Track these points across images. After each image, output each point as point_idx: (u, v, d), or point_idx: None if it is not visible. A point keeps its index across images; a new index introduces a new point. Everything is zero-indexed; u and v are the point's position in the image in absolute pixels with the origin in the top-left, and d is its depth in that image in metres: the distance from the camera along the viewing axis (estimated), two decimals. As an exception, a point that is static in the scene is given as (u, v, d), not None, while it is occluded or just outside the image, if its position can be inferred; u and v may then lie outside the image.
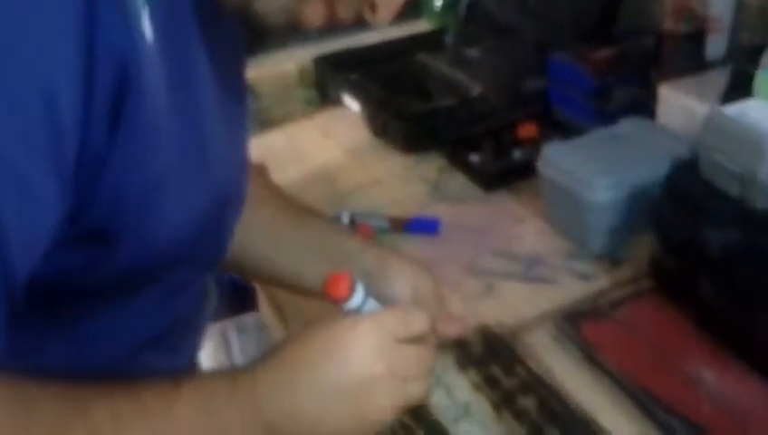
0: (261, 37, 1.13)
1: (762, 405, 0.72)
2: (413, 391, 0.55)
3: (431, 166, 1.14)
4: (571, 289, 0.88)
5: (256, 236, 0.71)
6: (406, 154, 1.17)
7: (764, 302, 0.73)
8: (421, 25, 1.49)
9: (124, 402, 0.48)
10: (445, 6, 1.44)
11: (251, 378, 0.52)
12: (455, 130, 1.16)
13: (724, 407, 0.71)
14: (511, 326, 0.83)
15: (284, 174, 1.11)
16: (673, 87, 1.00)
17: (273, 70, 1.39)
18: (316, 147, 1.23)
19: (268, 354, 0.54)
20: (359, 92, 1.27)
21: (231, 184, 0.60)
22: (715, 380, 0.75)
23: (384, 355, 0.54)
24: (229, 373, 0.54)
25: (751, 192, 0.70)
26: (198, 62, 0.51)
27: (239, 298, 1.19)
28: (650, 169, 0.87)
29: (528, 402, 0.71)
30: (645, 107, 1.03)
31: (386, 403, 0.54)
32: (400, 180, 1.12)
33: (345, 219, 1.02)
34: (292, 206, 0.77)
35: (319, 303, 0.61)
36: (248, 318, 1.20)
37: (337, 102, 1.33)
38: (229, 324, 1.20)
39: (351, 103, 1.29)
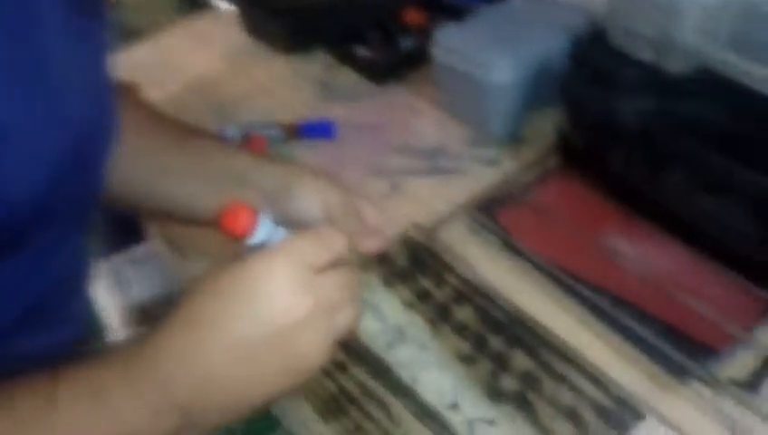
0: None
1: (685, 270, 0.70)
2: (342, 322, 0.47)
3: (317, 65, 1.04)
4: (478, 177, 0.83)
5: (137, 170, 0.61)
6: (289, 55, 1.06)
7: (681, 167, 0.70)
8: None
9: None
10: None
11: (149, 354, 0.42)
12: (337, 24, 1.05)
13: (649, 277, 0.68)
14: (425, 225, 0.77)
15: (158, 91, 0.99)
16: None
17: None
18: (191, 57, 1.10)
19: (165, 321, 0.44)
20: (228, -10, 1.14)
21: (91, 118, 0.49)
22: (636, 251, 0.72)
23: (305, 291, 0.45)
24: (121, 351, 0.43)
25: (666, 57, 0.65)
26: None
27: (126, 230, 1.08)
28: (549, 43, 0.80)
29: (465, 313, 0.65)
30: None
31: (317, 344, 0.46)
32: (287, 84, 1.02)
33: (233, 133, 0.92)
34: (173, 127, 0.66)
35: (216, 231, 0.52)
36: (139, 250, 1.10)
37: (208, 5, 1.19)
38: (121, 259, 1.10)
39: (223, 4, 1.15)
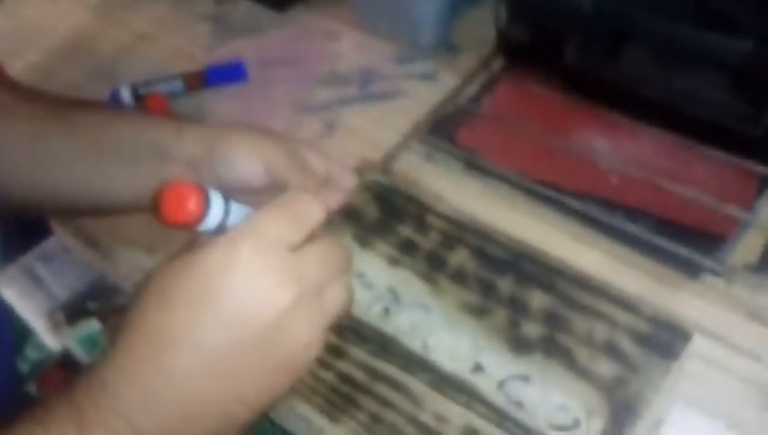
0: None
1: (668, 158, 0.62)
2: (333, 303, 0.38)
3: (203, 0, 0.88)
4: (419, 97, 0.72)
5: (18, 164, 0.49)
6: (168, -7, 0.89)
7: (646, 46, 0.62)
8: None
9: None
10: None
11: (99, 391, 0.34)
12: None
13: (633, 172, 0.60)
14: (376, 162, 0.65)
15: (23, 63, 0.82)
16: None
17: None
18: (51, 15, 0.91)
19: (113, 347, 0.36)
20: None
21: None
22: (612, 147, 0.64)
23: (285, 277, 0.35)
24: (66, 397, 0.34)
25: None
26: None
27: (29, 224, 0.93)
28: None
29: (460, 258, 0.54)
30: None
31: (308, 336, 0.36)
32: (173, 28, 0.85)
33: (126, 96, 0.76)
34: (53, 105, 0.53)
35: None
36: (48, 245, 0.94)
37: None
38: (30, 258, 0.95)
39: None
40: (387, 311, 0.52)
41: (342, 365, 0.50)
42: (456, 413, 0.47)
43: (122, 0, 0.89)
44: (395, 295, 0.53)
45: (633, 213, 0.59)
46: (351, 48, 0.78)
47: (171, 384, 0.34)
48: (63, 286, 0.99)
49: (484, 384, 0.48)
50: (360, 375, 0.49)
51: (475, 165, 0.64)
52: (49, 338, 0.94)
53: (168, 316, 0.35)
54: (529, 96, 0.68)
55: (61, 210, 0.61)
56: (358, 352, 0.50)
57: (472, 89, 0.71)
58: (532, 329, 0.50)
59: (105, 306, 0.92)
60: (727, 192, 0.59)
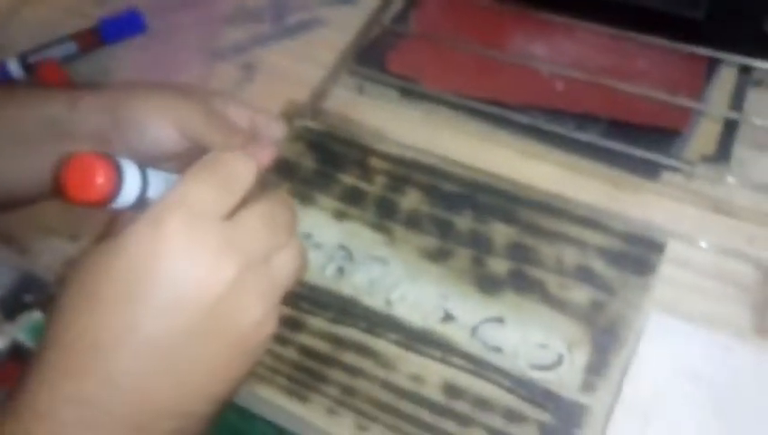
0: None
1: (610, 55, 0.58)
2: (284, 270, 0.33)
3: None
4: (339, 25, 0.65)
5: None
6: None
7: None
8: None
9: None
10: None
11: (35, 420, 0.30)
12: None
13: (571, 73, 0.55)
14: (304, 103, 0.59)
15: None
16: None
17: None
18: None
19: (37, 357, 0.31)
20: None
21: None
22: (548, 50, 0.59)
23: (224, 249, 0.30)
24: None
25: None
26: None
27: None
28: None
29: (412, 200, 0.49)
30: None
31: (260, 311, 0.31)
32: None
33: (14, 68, 0.67)
34: None
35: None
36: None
37: None
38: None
39: None
40: (341, 271, 0.47)
41: (302, 338, 0.45)
42: (432, 370, 0.43)
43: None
44: (347, 252, 0.47)
45: (582, 119, 0.54)
46: (255, -22, 0.70)
47: (119, 394, 0.30)
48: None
49: (457, 334, 0.44)
50: (322, 346, 0.44)
51: (410, 92, 0.58)
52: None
53: (100, 319, 0.30)
54: (457, 7, 0.62)
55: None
56: (316, 322, 0.45)
57: (396, 6, 0.64)
58: (498, 265, 0.45)
59: (42, 296, 0.85)
60: (675, 83, 0.55)
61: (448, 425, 0.41)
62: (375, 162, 0.51)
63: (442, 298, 0.45)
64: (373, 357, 0.43)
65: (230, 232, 0.31)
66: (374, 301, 0.45)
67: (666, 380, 0.44)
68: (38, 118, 0.43)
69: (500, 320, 0.43)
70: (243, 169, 0.32)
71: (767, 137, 0.53)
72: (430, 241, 0.47)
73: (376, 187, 0.50)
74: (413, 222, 0.48)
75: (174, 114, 0.45)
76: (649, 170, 0.52)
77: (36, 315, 0.92)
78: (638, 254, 0.44)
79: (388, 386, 0.43)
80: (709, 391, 0.44)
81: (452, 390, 0.42)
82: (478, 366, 0.42)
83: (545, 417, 0.40)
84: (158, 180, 0.32)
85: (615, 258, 0.44)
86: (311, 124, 0.54)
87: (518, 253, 0.45)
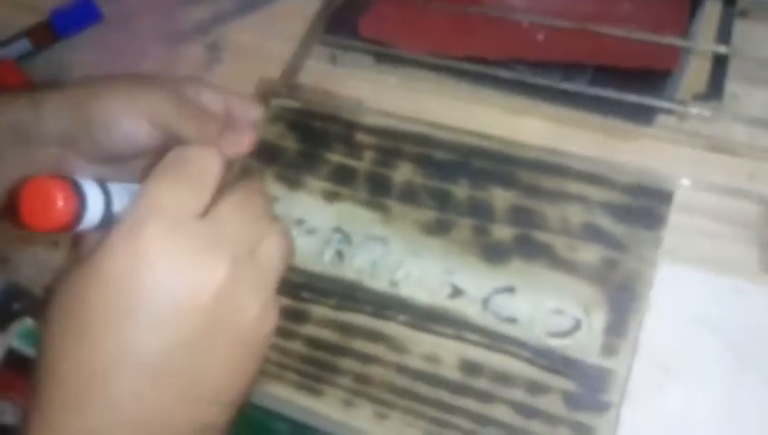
0: None
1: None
2: (272, 258, 0.31)
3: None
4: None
5: None
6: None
7: None
8: None
9: None
10: None
11: None
12: None
13: (552, 23, 0.52)
14: (278, 77, 0.55)
15: None
16: None
17: None
18: None
19: (45, 403, 0.28)
20: None
21: None
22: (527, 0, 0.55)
23: (205, 250, 0.28)
24: None
25: None
26: None
27: None
28: None
29: (404, 173, 0.45)
30: None
31: (257, 306, 0.30)
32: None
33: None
34: None
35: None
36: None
37: None
38: None
39: None
40: (340, 255, 0.44)
41: (307, 329, 0.42)
42: (447, 348, 0.40)
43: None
44: (344, 235, 0.44)
45: (568, 69, 0.51)
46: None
47: (124, 420, 0.28)
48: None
49: (468, 308, 0.41)
50: (330, 335, 0.42)
51: (386, 57, 0.54)
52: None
53: (91, 347, 0.27)
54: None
55: None
56: (320, 310, 0.42)
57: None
58: (502, 233, 0.43)
59: (31, 303, 0.81)
60: (660, 22, 0.51)
61: (469, 404, 0.39)
62: (361, 137, 0.47)
63: (448, 273, 0.42)
64: (384, 341, 0.41)
65: (210, 230, 0.28)
66: (378, 283, 0.42)
67: (680, 329, 0.42)
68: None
69: (510, 289, 0.41)
70: (209, 162, 0.30)
71: (758, 69, 0.51)
72: (428, 214, 0.44)
73: (365, 162, 0.46)
74: (408, 196, 0.45)
75: (144, 107, 0.41)
76: (642, 115, 0.49)
77: (27, 322, 0.89)
78: (646, 206, 0.42)
79: (402, 370, 0.40)
80: (725, 336, 0.42)
81: (469, 367, 0.39)
82: (493, 339, 0.40)
83: (568, 385, 0.38)
84: (120, 192, 0.30)
85: (622, 213, 0.42)
86: (288, 103, 0.50)
87: (521, 217, 0.43)
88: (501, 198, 0.43)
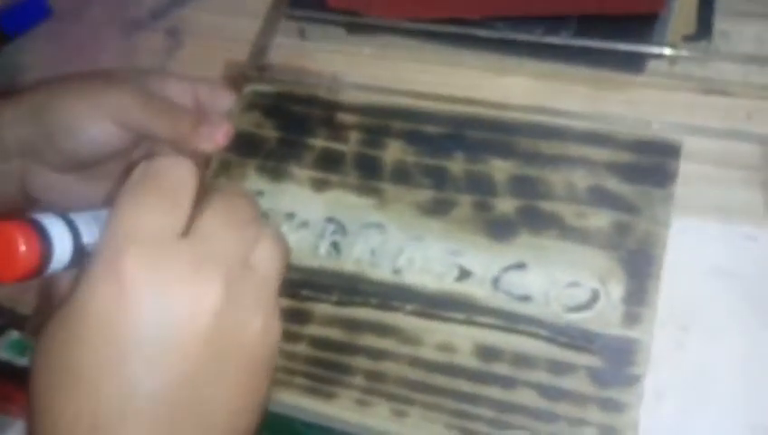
0: None
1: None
2: (268, 264, 0.28)
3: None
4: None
5: None
6: None
7: None
8: None
9: None
10: None
11: None
12: None
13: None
14: (245, 59, 0.50)
15: None
16: None
17: None
18: None
19: None
20: None
21: None
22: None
23: (194, 270, 0.25)
24: None
25: None
26: None
27: None
28: None
29: (394, 151, 0.41)
30: None
31: (260, 319, 0.27)
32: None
33: None
34: None
35: None
36: None
37: None
38: None
39: None
40: (336, 246, 0.40)
41: (312, 329, 0.38)
42: (460, 335, 0.37)
43: None
44: (338, 225, 0.40)
45: (551, 22, 0.47)
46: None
47: None
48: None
49: (478, 290, 0.38)
50: (336, 334, 0.38)
51: (358, 26, 0.50)
52: (-30, 365, 0.80)
53: (89, 397, 0.24)
54: None
55: None
56: (323, 308, 0.39)
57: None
58: (505, 206, 0.39)
59: (11, 318, 0.78)
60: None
61: (492, 391, 0.35)
62: (343, 117, 0.43)
63: (453, 254, 0.38)
64: (393, 334, 0.37)
65: (195, 249, 0.25)
66: (380, 272, 0.39)
67: (695, 284, 0.39)
68: None
69: (521, 266, 0.37)
70: (181, 173, 0.26)
71: (746, 3, 0.47)
72: (425, 194, 0.40)
73: (351, 145, 0.42)
74: (401, 176, 0.41)
75: (108, 107, 0.38)
76: (632, 63, 0.46)
77: (14, 334, 0.85)
78: (654, 162, 0.38)
79: (416, 363, 0.37)
80: (741, 286, 0.39)
81: (486, 352, 0.36)
82: (508, 321, 0.37)
83: (593, 361, 0.35)
84: (88, 222, 0.26)
85: (629, 172, 0.38)
86: (261, 88, 0.45)
87: (523, 187, 0.39)
88: (500, 168, 0.39)
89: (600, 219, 0.37)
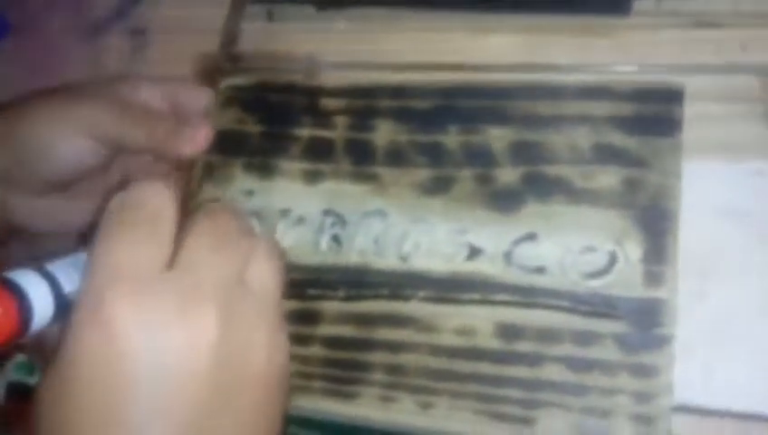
0: None
1: None
2: (265, 279, 0.26)
3: None
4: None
5: None
6: None
7: None
8: None
9: None
10: None
11: None
12: None
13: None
14: (216, 51, 0.47)
15: None
16: None
17: None
18: None
19: None
20: None
21: None
22: None
23: (186, 304, 0.23)
24: None
25: None
26: None
27: None
28: None
29: (385, 132, 0.38)
30: None
31: (265, 340, 0.25)
32: None
33: None
34: None
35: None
36: None
37: None
38: None
39: None
40: (337, 239, 0.37)
41: (323, 329, 0.36)
42: (478, 317, 0.35)
43: None
44: (337, 217, 0.37)
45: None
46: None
47: None
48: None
49: (490, 267, 0.35)
50: (347, 331, 0.36)
51: (328, 1, 0.46)
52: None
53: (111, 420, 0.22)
54: None
55: None
56: (332, 306, 0.36)
57: None
58: (508, 176, 0.36)
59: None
60: None
61: (517, 371, 0.33)
62: (326, 102, 0.40)
63: (460, 233, 0.36)
64: (409, 324, 0.35)
65: (183, 281, 0.23)
66: (386, 261, 0.36)
67: (710, 230, 0.37)
68: None
69: (532, 236, 0.35)
70: (159, 200, 0.24)
71: (730, -75, 0.44)
72: (423, 173, 0.37)
73: (339, 130, 0.39)
74: (396, 158, 0.38)
75: (81, 123, 0.36)
76: (617, 5, 0.43)
77: (20, 356, 0.83)
78: (657, 110, 0.35)
79: (436, 351, 0.34)
80: (755, 224, 0.37)
81: (507, 331, 0.34)
82: (526, 295, 0.34)
83: (618, 326, 0.33)
84: (66, 269, 0.24)
85: (632, 124, 0.35)
86: (237, 81, 0.42)
87: (524, 154, 0.36)
88: (497, 137, 0.37)
89: (608, 178, 0.35)
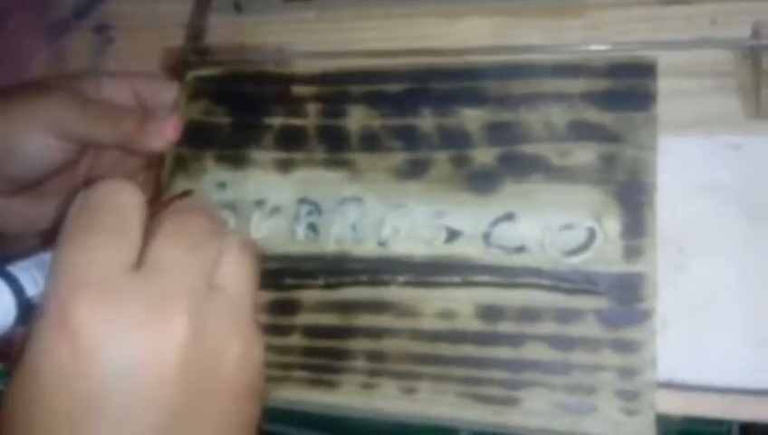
0: None
1: None
2: (237, 279, 0.25)
3: None
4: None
5: None
6: None
7: None
8: None
9: None
10: None
11: None
12: None
13: None
14: (180, 43, 0.45)
15: None
16: None
17: None
18: None
19: None
20: None
21: None
22: None
23: (153, 305, 0.22)
24: None
25: None
26: None
27: None
28: None
29: (357, 117, 0.37)
30: None
31: (237, 342, 0.24)
32: None
33: None
34: None
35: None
36: None
37: None
38: None
39: None
40: (313, 228, 0.36)
41: (303, 319, 0.35)
42: (459, 299, 0.34)
43: None
44: (312, 205, 0.36)
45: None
46: None
47: None
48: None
49: (469, 249, 0.34)
50: (328, 319, 0.35)
51: (295, -12, 0.45)
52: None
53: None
54: None
55: None
56: (311, 295, 0.35)
57: None
58: (484, 156, 0.35)
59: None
60: None
61: (500, 352, 0.33)
62: (297, 90, 0.39)
63: (438, 216, 0.35)
64: (389, 309, 0.34)
65: (151, 281, 0.22)
66: (365, 248, 0.35)
67: (685, 203, 0.37)
68: None
69: (510, 216, 0.34)
70: (124, 199, 0.23)
71: None
72: (398, 157, 0.36)
73: (311, 118, 0.38)
74: (370, 143, 0.37)
75: (44, 120, 0.34)
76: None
77: None
78: (630, 85, 0.35)
79: (418, 335, 0.34)
80: (731, 197, 0.37)
81: (488, 312, 0.33)
82: (506, 275, 0.33)
83: (599, 302, 0.32)
84: (30, 271, 0.23)
85: (607, 99, 0.35)
86: (205, 72, 0.41)
87: (500, 134, 0.35)
88: (472, 118, 0.36)
89: (584, 154, 0.34)
